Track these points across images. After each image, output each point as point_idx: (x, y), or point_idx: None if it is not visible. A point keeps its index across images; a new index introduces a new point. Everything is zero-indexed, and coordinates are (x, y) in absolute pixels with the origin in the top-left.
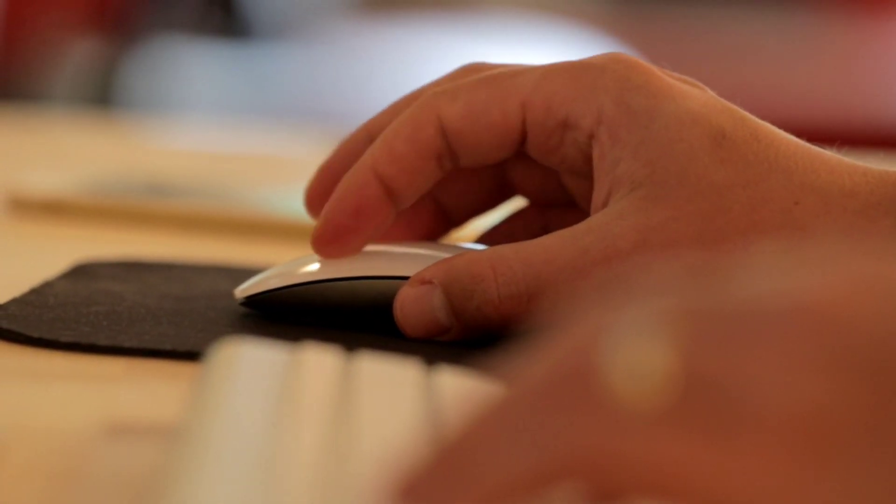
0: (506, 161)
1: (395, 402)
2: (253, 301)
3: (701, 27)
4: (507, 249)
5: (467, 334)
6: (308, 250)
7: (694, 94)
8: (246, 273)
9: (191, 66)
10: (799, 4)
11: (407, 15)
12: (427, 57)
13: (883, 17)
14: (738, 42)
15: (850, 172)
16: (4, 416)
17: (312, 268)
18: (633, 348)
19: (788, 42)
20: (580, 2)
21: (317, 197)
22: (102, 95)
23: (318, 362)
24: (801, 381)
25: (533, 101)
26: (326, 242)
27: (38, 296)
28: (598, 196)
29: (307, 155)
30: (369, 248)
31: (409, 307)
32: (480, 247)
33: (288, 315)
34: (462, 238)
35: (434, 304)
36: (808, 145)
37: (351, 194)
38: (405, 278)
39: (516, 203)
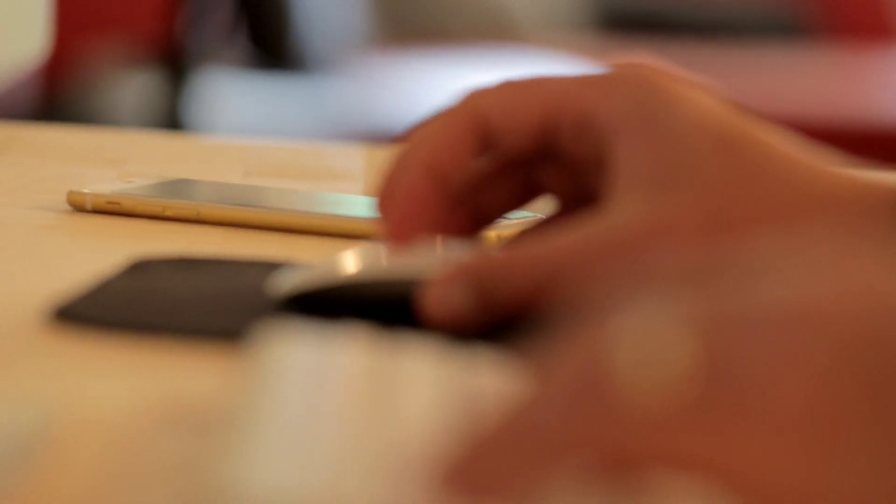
0: (535, 161)
1: (430, 384)
2: (297, 296)
3: (701, 60)
4: (525, 246)
5: (489, 325)
6: (341, 248)
7: (705, 102)
8: (288, 269)
9: (239, 96)
10: (778, 38)
11: (430, 47)
12: (448, 85)
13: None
14: (720, 71)
15: (843, 180)
16: (65, 401)
17: (352, 265)
18: (652, 345)
19: (768, 71)
20: (590, 35)
21: (389, 198)
22: (158, 122)
23: (358, 346)
24: (808, 377)
25: (558, 103)
26: (399, 235)
27: (97, 289)
28: (609, 191)
29: (341, 164)
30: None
31: (436, 302)
32: None
33: (329, 309)
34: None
35: (460, 298)
36: (805, 151)
37: (408, 194)
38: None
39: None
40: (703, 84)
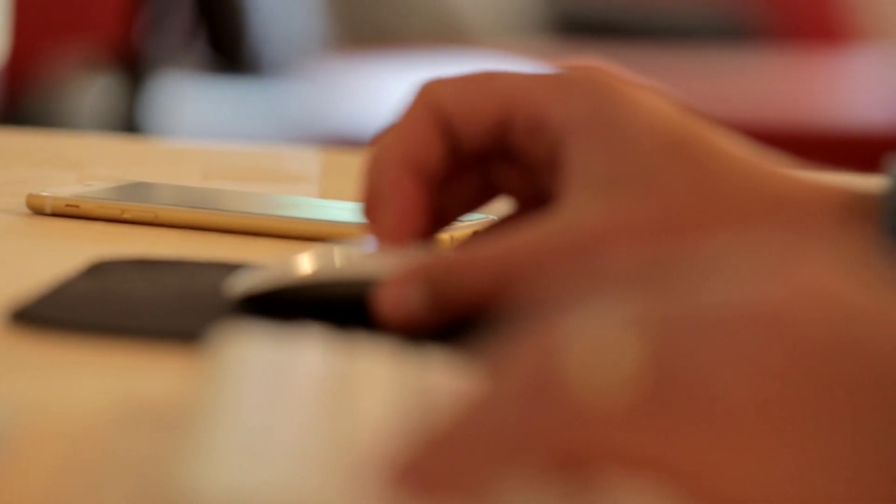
0: (492, 160)
1: (385, 383)
2: (251, 297)
3: (654, 63)
4: (478, 246)
5: (442, 324)
6: (298, 250)
7: (658, 105)
8: (245, 270)
9: (197, 99)
10: (743, 38)
11: (385, 51)
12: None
13: (822, 49)
14: (671, 75)
15: (793, 182)
16: (25, 400)
17: (306, 266)
18: (602, 346)
19: (722, 74)
20: (545, 39)
21: (372, 202)
22: (116, 124)
23: (315, 346)
24: (756, 377)
25: (514, 100)
26: (393, 237)
27: (57, 290)
28: (562, 191)
29: (298, 167)
30: (357, 246)
31: (390, 303)
32: None
33: (284, 309)
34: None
35: (414, 298)
36: (756, 153)
37: (395, 193)
38: None
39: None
40: (653, 86)
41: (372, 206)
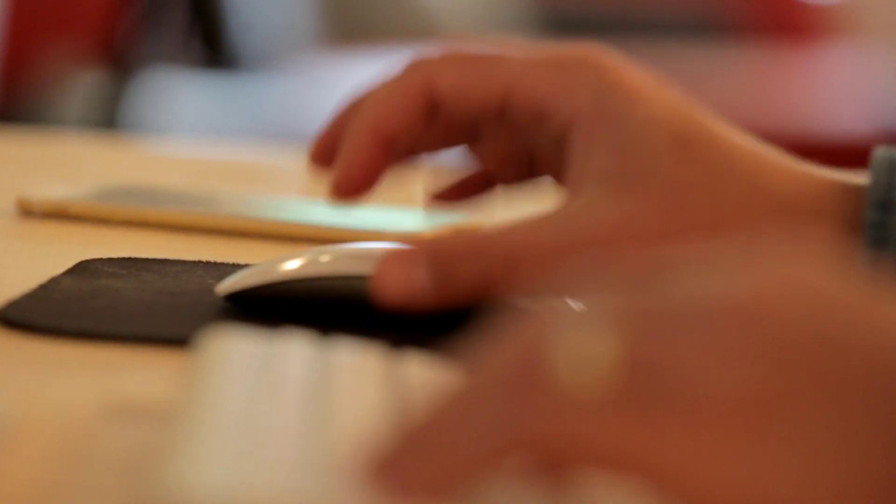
0: (477, 139)
1: (366, 384)
2: (235, 296)
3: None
4: (488, 231)
5: (441, 306)
6: (282, 251)
7: (662, 96)
8: (230, 270)
9: (183, 94)
10: (722, 35)
11: (371, 47)
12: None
13: (795, 45)
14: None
15: (798, 176)
16: (16, 399)
17: (289, 266)
18: (580, 340)
19: (714, 68)
20: (527, 35)
21: (322, 152)
22: (103, 120)
23: (298, 347)
24: (733, 370)
25: (515, 88)
26: (343, 193)
27: (46, 290)
28: (570, 184)
29: (281, 166)
30: (344, 247)
31: (392, 276)
32: None
33: (265, 308)
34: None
35: (417, 273)
36: (762, 147)
37: (358, 150)
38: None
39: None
40: (653, 74)
41: (325, 151)
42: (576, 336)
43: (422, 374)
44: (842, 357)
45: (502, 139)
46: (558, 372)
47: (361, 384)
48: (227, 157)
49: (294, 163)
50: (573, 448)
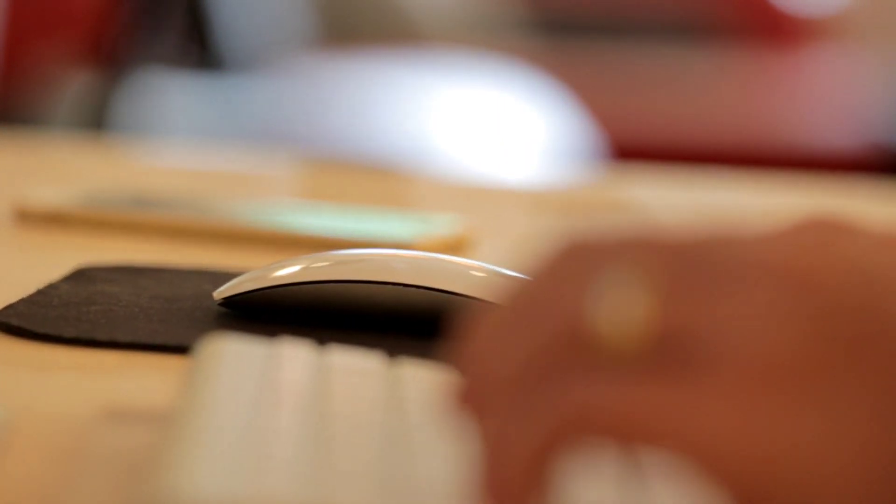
0: None
1: (363, 389)
2: (231, 302)
3: (624, 60)
4: None
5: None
6: (278, 257)
7: None
8: (226, 277)
9: (174, 95)
10: (710, 40)
11: (362, 49)
12: (379, 85)
13: (783, 52)
14: (658, 73)
15: None
16: (14, 403)
17: (285, 272)
18: (615, 300)
19: (701, 72)
20: (516, 37)
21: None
22: (96, 121)
23: (294, 355)
24: (767, 330)
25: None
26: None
27: (43, 296)
28: None
29: (275, 172)
30: (339, 252)
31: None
32: (450, 257)
33: (262, 314)
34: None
35: None
36: None
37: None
38: (370, 282)
39: None
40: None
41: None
42: (610, 298)
43: (419, 379)
44: (879, 324)
45: None
46: (596, 337)
47: (359, 389)
48: (221, 162)
49: (287, 167)
50: (614, 420)
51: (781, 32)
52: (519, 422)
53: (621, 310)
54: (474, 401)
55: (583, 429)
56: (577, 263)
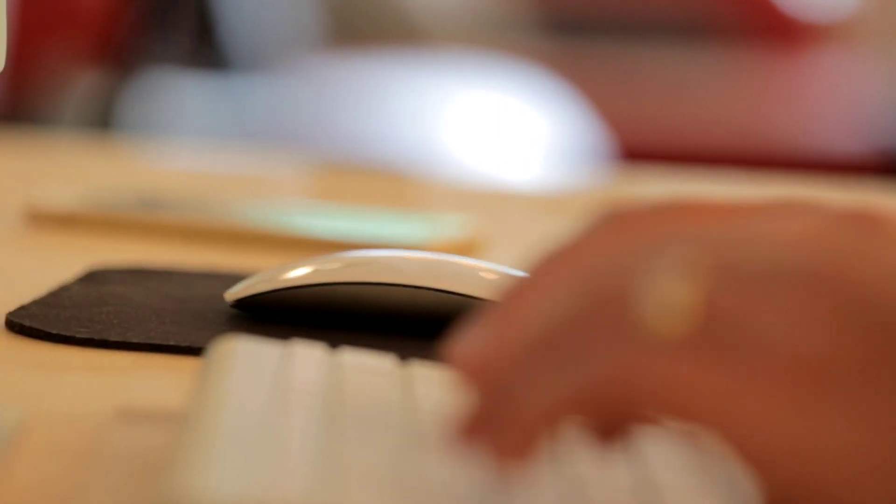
0: None
1: (375, 391)
2: (242, 303)
3: (632, 61)
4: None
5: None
6: (289, 258)
7: None
8: (236, 278)
9: (181, 95)
10: (718, 42)
11: (370, 50)
12: (388, 86)
13: (790, 55)
14: (665, 75)
15: None
16: (28, 403)
17: (296, 273)
18: (662, 284)
19: (709, 74)
20: (524, 39)
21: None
22: (103, 120)
23: (307, 356)
24: (810, 329)
25: None
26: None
27: (56, 297)
28: None
29: (284, 174)
30: (350, 254)
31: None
32: (461, 258)
33: (273, 316)
34: (442, 247)
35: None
36: None
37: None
38: (382, 284)
39: None
40: None
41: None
42: (658, 279)
43: (430, 380)
44: None
45: None
46: (639, 311)
47: (371, 390)
48: (230, 163)
49: (296, 169)
50: (649, 387)
51: (788, 36)
52: (550, 375)
53: (667, 293)
54: (502, 358)
55: (619, 392)
56: (617, 233)
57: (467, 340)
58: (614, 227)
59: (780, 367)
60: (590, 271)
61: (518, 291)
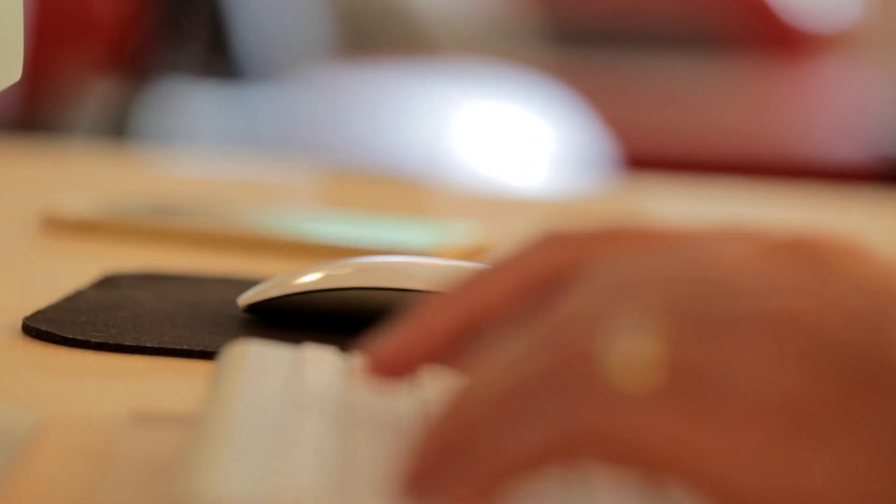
0: None
1: (385, 394)
2: (254, 308)
3: (637, 71)
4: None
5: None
6: (300, 264)
7: None
8: (248, 283)
9: (195, 104)
10: (721, 52)
11: (380, 59)
12: (397, 95)
13: (792, 65)
14: (669, 84)
15: None
16: (44, 406)
17: (308, 278)
18: (625, 337)
19: (712, 84)
20: (531, 49)
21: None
22: (118, 129)
23: (318, 360)
24: (776, 373)
25: None
26: (383, 369)
27: (72, 302)
28: None
29: (295, 181)
30: (361, 259)
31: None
32: (470, 264)
33: (285, 320)
34: (452, 252)
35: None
36: None
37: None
38: (391, 289)
39: None
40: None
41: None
42: (620, 334)
43: (441, 385)
44: (881, 365)
45: None
46: (606, 368)
47: (381, 394)
48: (242, 170)
49: (307, 176)
50: (623, 441)
51: (791, 46)
52: (516, 428)
53: (631, 348)
54: (464, 411)
55: (592, 445)
56: (555, 254)
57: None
58: (551, 248)
59: (751, 412)
60: (549, 321)
61: (453, 311)
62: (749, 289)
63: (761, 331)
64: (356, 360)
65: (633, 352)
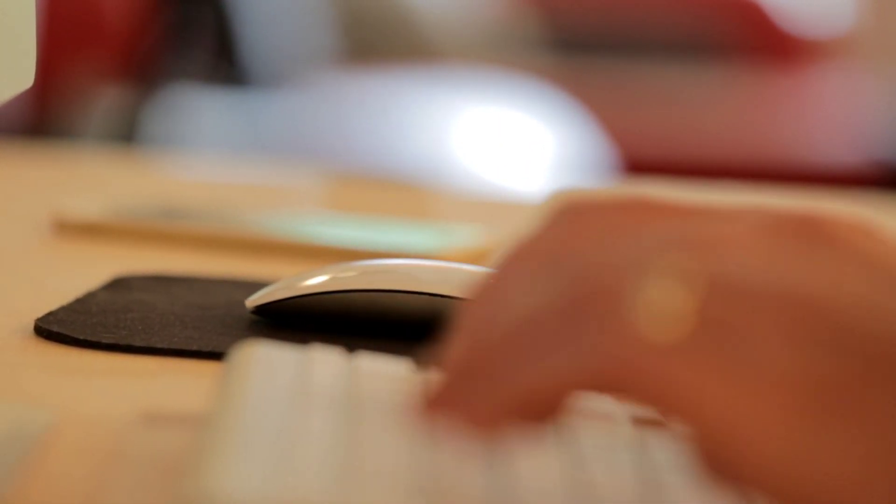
0: None
1: (391, 394)
2: (262, 310)
3: (635, 77)
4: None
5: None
6: (308, 266)
7: None
8: (256, 285)
9: (202, 110)
10: (719, 59)
11: (383, 66)
12: (400, 101)
13: (789, 71)
14: (667, 91)
15: None
16: (56, 406)
17: (315, 281)
18: (656, 284)
19: (710, 90)
20: (531, 55)
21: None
22: (127, 134)
23: (325, 360)
24: (800, 353)
25: None
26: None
27: (82, 304)
28: None
29: (300, 185)
30: (367, 262)
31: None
32: (473, 267)
33: (292, 322)
34: (460, 255)
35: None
36: None
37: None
38: (399, 291)
39: None
40: None
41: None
42: (651, 281)
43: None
44: (890, 346)
45: None
46: (632, 309)
47: (387, 394)
48: (248, 175)
49: (312, 180)
50: (643, 383)
51: (787, 52)
52: (534, 358)
53: (661, 296)
54: (482, 341)
55: (611, 382)
56: (578, 225)
57: (452, 342)
58: (573, 220)
59: (779, 380)
60: (567, 261)
61: (490, 285)
62: (768, 268)
63: (783, 310)
64: (416, 376)
65: (662, 299)
